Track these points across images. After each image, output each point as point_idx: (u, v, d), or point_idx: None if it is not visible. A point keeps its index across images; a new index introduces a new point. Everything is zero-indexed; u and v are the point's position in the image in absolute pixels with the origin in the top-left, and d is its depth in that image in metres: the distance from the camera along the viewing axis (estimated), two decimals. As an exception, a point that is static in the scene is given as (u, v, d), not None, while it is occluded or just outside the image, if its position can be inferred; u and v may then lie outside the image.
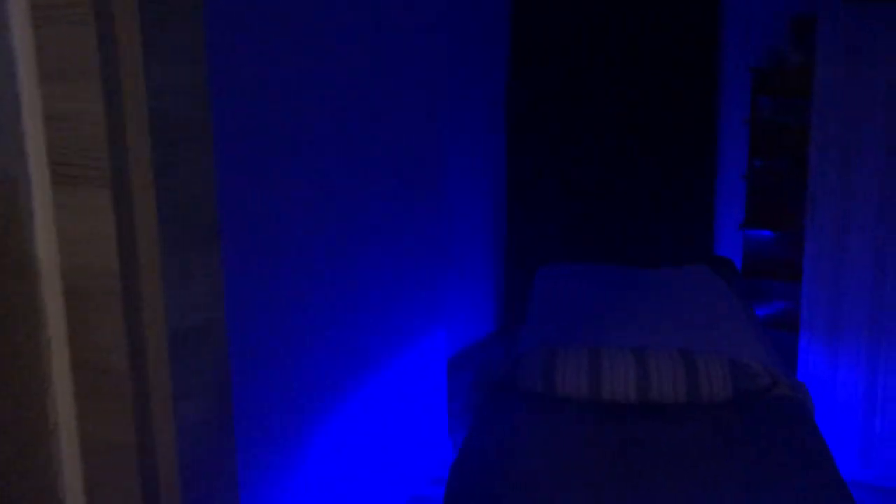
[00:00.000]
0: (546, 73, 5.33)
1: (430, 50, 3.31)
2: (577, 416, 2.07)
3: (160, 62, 0.95)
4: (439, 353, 3.68)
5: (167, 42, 0.96)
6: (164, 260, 0.97)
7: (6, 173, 1.00)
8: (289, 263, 2.38)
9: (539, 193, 5.45)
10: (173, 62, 0.97)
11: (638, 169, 5.21)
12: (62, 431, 1.04)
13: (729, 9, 4.91)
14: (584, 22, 5.22)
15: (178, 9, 0.97)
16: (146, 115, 0.95)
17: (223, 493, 1.11)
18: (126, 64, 0.94)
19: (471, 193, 5.20)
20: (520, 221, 5.52)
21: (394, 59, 3.00)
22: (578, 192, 5.34)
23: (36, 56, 0.98)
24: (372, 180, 2.88)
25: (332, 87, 2.55)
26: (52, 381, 1.04)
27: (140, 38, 0.93)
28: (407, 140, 3.17)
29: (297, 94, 2.37)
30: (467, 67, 5.05)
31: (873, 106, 3.29)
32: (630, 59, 5.11)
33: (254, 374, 2.16)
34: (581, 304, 2.84)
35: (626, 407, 2.09)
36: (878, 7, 3.25)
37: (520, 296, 5.46)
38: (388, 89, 2.96)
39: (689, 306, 2.78)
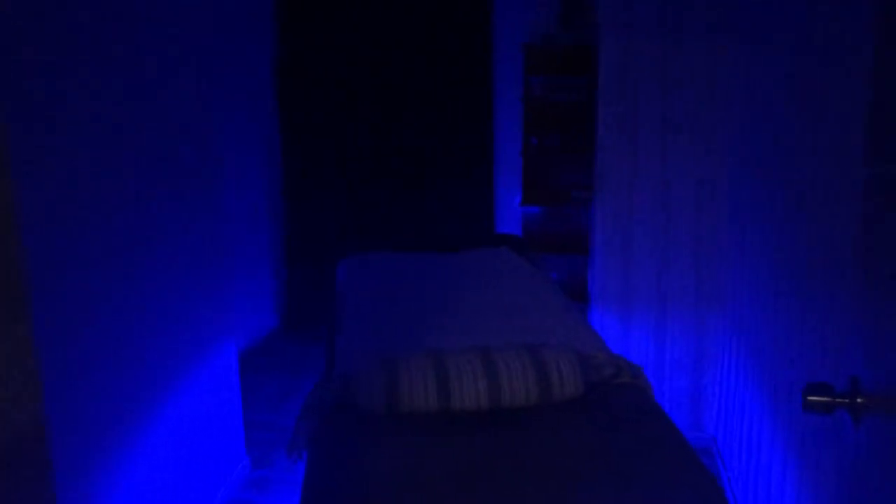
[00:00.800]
0: (316, 58, 5.02)
1: (194, 40, 2.92)
2: (426, 433, 1.86)
3: None
4: (230, 362, 3.32)
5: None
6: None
7: None
8: (61, 289, 1.93)
9: (318, 181, 5.16)
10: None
11: (416, 151, 5.11)
12: None
13: (499, -14, 4.92)
14: (353, 3, 4.98)
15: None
16: None
17: None
18: None
19: (241, 183, 4.76)
20: (299, 210, 5.19)
21: (157, 54, 2.60)
22: (357, 178, 5.13)
23: None
24: (145, 185, 2.49)
25: (93, 85, 2.13)
26: None
27: None
28: (177, 141, 2.78)
29: (54, 93, 1.94)
30: (233, 57, 4.60)
31: (653, 81, 3.41)
32: (402, 40, 4.96)
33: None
34: (399, 300, 2.63)
35: (476, 416, 1.92)
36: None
37: (306, 288, 5.15)
38: (154, 87, 2.55)
39: (510, 294, 2.69)
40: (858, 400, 1.35)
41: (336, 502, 1.65)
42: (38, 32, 1.88)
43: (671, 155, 3.44)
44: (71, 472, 2.04)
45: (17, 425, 0.63)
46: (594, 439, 1.83)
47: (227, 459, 3.31)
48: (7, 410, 0.64)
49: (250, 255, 4.91)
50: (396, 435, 1.85)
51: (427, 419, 1.90)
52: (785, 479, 2.48)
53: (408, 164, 5.11)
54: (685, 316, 3.58)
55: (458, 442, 1.83)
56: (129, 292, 2.34)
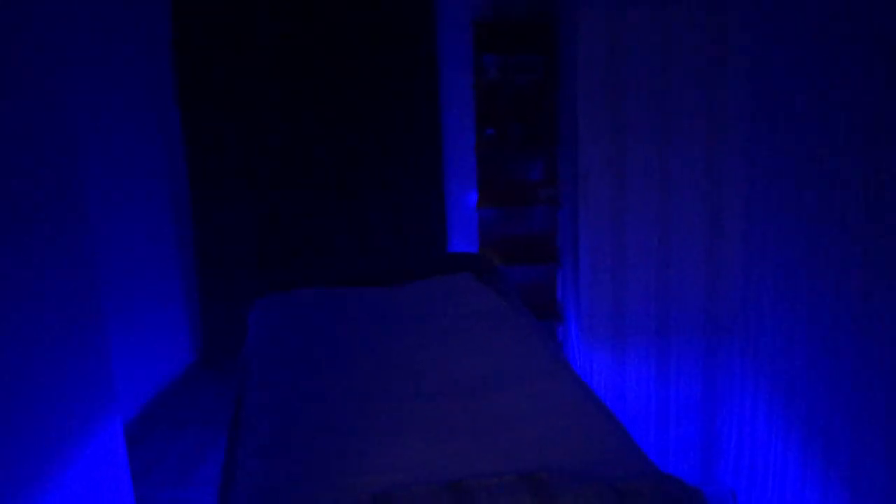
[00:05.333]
0: (223, 45, 4.13)
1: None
2: None
3: None
4: (113, 439, 2.50)
5: None
6: None
7: None
8: None
9: (231, 192, 4.27)
10: None
11: (350, 151, 4.28)
12: None
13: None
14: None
15: None
16: None
17: None
18: None
19: (131, 210, 3.86)
20: (212, 228, 4.30)
21: None
22: (280, 185, 4.26)
23: None
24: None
25: None
26: None
27: None
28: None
29: None
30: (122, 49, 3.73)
31: (646, 64, 2.69)
32: (326, 17, 4.12)
33: None
34: (323, 382, 1.85)
35: None
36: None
37: (226, 315, 4.31)
38: None
39: (482, 358, 1.94)
40: None
41: None
42: None
43: (673, 148, 2.72)
44: None
45: None
46: None
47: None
48: None
49: (152, 288, 4.05)
50: None
51: None
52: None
53: (341, 167, 4.30)
54: (692, 346, 2.89)
55: None
56: None
